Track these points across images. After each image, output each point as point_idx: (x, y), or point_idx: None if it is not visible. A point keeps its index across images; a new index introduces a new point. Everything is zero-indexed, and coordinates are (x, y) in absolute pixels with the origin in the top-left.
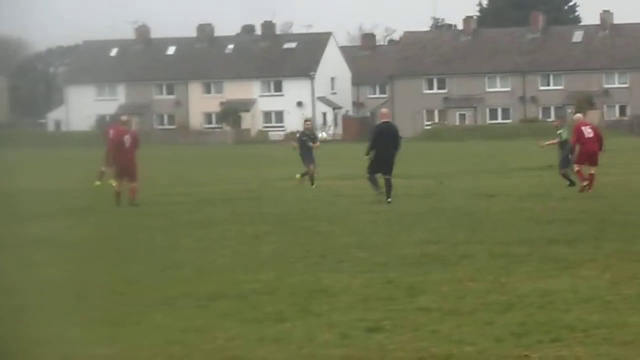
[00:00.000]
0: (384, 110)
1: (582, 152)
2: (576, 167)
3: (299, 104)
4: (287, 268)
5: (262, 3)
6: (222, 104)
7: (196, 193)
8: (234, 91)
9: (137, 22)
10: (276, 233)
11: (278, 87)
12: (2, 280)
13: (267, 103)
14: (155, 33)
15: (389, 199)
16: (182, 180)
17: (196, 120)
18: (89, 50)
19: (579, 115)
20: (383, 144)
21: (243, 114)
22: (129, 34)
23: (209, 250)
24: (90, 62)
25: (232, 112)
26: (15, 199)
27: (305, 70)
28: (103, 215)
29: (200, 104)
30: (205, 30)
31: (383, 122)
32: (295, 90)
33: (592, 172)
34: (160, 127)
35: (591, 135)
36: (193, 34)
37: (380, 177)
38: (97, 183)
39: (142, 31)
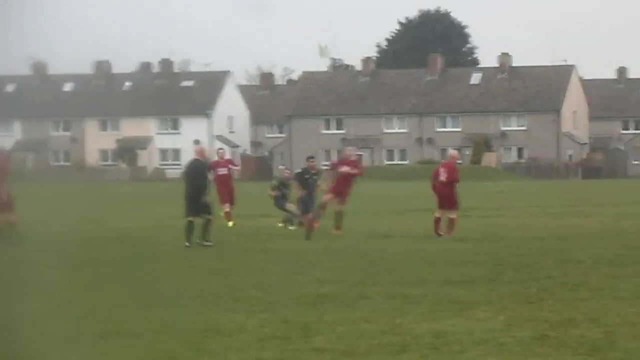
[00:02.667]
0: (197, 147)
1: (437, 197)
2: (437, 214)
3: (196, 142)
4: (181, 307)
5: (161, 41)
6: (118, 141)
7: (90, 230)
8: (131, 128)
9: (34, 58)
10: (171, 272)
11: (175, 125)
12: None
13: (163, 141)
14: (52, 69)
15: (206, 242)
16: (75, 218)
17: (92, 157)
18: None
19: (454, 152)
20: (190, 182)
21: (139, 152)
22: (26, 69)
23: (105, 289)
24: None
25: (128, 150)
26: None
27: (203, 108)
28: None
29: (97, 141)
30: (102, 67)
31: (193, 159)
32: (192, 128)
33: (451, 216)
34: (57, 163)
35: (444, 178)
36: (90, 70)
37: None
38: None
39: (39, 67)
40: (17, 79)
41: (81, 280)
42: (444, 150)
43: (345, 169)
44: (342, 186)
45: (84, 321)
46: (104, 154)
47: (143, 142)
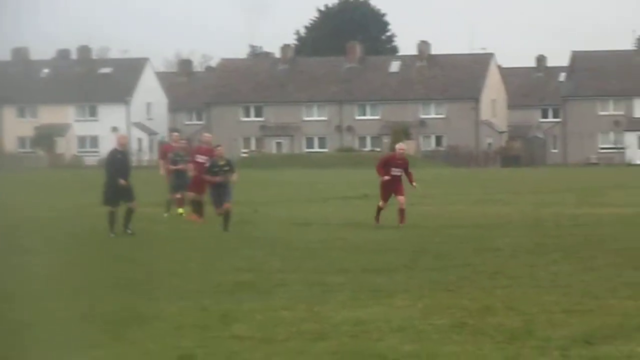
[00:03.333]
0: (118, 136)
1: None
2: (381, 204)
3: (114, 129)
4: (100, 295)
5: (79, 27)
6: (36, 128)
7: (7, 218)
8: (49, 115)
9: None
10: (90, 260)
11: (93, 112)
12: None
13: (82, 128)
14: None
15: (128, 230)
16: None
17: (10, 144)
18: None
19: (402, 145)
20: (112, 173)
21: (58, 139)
22: None
23: (21, 277)
24: None
25: (46, 137)
26: None
27: (121, 95)
28: None
29: (15, 128)
30: (20, 53)
31: (113, 149)
32: (110, 115)
33: (403, 206)
34: None
35: (398, 172)
36: (7, 57)
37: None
38: None
39: None
40: None
41: None
42: (363, 139)
43: (199, 159)
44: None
45: (2, 311)
46: (22, 141)
47: (61, 129)
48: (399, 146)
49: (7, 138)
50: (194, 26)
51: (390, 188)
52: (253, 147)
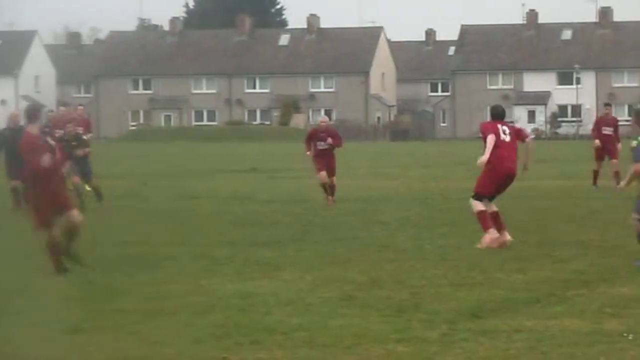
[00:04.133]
0: (11, 113)
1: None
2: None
3: (3, 102)
4: None
5: None
6: None
7: None
8: None
9: None
10: None
11: None
12: None
13: None
14: None
15: None
16: None
17: None
18: None
19: (325, 117)
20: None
21: None
22: None
23: None
24: None
25: None
26: None
27: (9, 68)
28: None
29: None
30: None
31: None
32: None
33: (333, 183)
34: None
35: (328, 145)
36: None
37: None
38: None
39: None
40: None
41: None
42: (252, 112)
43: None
44: None
45: None
46: None
47: None
48: (321, 118)
49: None
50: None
51: (322, 163)
52: (142, 120)
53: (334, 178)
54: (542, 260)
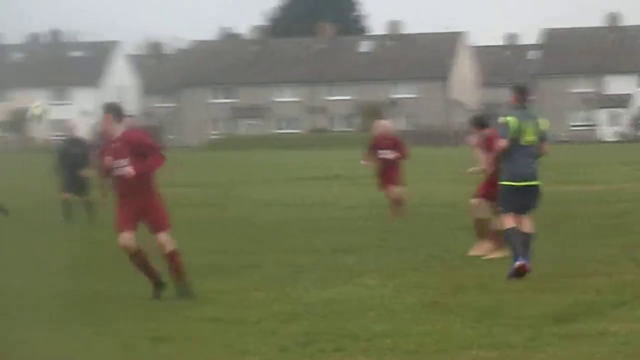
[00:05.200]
0: (70, 123)
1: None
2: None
3: (85, 113)
4: (67, 276)
5: (50, 11)
6: (7, 112)
7: None
8: (20, 99)
9: None
10: (53, 243)
11: (64, 96)
12: None
13: (54, 112)
14: None
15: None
16: None
17: None
18: None
19: (385, 122)
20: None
21: (29, 122)
22: None
23: None
24: None
25: (17, 121)
26: None
27: (92, 78)
28: None
29: None
30: None
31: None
32: (82, 98)
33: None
34: None
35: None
36: None
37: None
38: None
39: None
40: None
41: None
42: (334, 119)
43: None
44: None
45: None
46: None
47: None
48: (380, 123)
49: None
50: (164, 9)
51: (383, 174)
52: (223, 128)
53: (399, 189)
54: (627, 263)
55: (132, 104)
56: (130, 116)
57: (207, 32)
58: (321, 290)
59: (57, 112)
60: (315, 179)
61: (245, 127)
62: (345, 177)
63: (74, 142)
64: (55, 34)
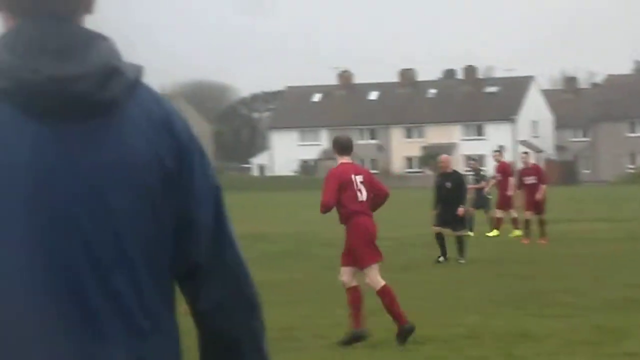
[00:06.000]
0: (444, 157)
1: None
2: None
3: (501, 147)
4: (490, 312)
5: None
6: (423, 148)
7: (398, 237)
8: (436, 135)
9: (340, 68)
10: (476, 277)
11: (479, 131)
12: None
13: (468, 147)
14: (358, 78)
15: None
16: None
17: (397, 164)
18: (292, 96)
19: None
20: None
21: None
22: (332, 79)
23: (412, 294)
24: (294, 108)
25: (433, 156)
26: None
27: (507, 113)
28: (305, 259)
29: (402, 148)
30: (407, 75)
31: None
32: (496, 133)
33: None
34: None
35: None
36: (395, 79)
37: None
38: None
39: (345, 76)
40: (324, 88)
41: None
42: None
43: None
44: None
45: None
46: (408, 161)
47: (448, 149)
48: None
49: (395, 158)
50: (576, 44)
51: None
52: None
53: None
54: None
55: (546, 138)
56: (541, 151)
57: (621, 66)
58: None
59: (472, 148)
60: None
61: None
62: None
63: (448, 177)
64: (469, 69)
